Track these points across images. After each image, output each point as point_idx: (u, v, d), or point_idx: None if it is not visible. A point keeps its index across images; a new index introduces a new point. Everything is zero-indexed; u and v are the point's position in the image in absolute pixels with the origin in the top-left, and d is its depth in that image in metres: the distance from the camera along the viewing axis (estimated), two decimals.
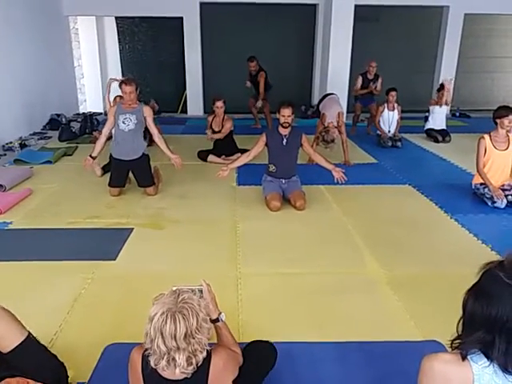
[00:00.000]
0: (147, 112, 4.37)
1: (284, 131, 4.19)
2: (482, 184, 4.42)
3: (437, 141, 7.06)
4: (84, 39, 10.64)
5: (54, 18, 8.43)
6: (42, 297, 2.75)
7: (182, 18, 9.00)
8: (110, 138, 4.50)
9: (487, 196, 4.33)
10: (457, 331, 1.35)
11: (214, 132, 5.90)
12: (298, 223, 3.93)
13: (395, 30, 9.94)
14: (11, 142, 6.33)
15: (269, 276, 3.03)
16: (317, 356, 2.25)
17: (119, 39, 10.31)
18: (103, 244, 3.45)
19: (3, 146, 6.23)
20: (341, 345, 2.33)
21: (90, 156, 4.35)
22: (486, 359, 1.27)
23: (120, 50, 10.32)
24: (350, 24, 8.39)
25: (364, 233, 3.70)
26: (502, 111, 4.30)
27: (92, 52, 10.66)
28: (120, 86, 4.31)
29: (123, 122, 4.24)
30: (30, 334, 1.74)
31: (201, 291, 1.76)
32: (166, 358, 1.42)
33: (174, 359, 1.42)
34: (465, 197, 4.57)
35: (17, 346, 1.65)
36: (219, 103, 5.73)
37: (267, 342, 1.99)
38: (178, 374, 1.47)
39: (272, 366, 1.94)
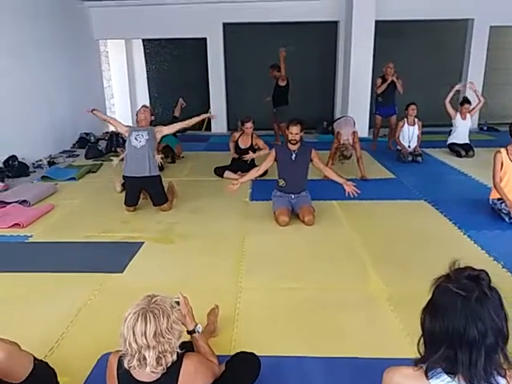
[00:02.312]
0: (159, 128, 4.66)
1: (293, 147, 4.24)
2: (499, 199, 4.29)
3: (459, 155, 6.91)
4: (114, 61, 11.14)
5: (85, 42, 8.90)
6: (49, 306, 2.88)
7: (205, 39, 9.29)
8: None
9: (504, 212, 4.20)
10: (418, 352, 1.35)
11: (240, 149, 6.00)
12: (305, 238, 3.94)
13: (419, 44, 9.86)
14: (41, 160, 6.68)
15: (269, 290, 3.05)
16: (307, 371, 2.24)
17: (146, 60, 10.74)
18: (113, 257, 3.58)
19: (33, 163, 6.57)
20: (332, 360, 2.32)
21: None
22: (446, 376, 1.27)
23: (147, 71, 10.73)
24: (370, 40, 8.41)
25: (371, 249, 3.67)
26: None
27: (121, 73, 11.14)
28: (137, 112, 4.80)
29: (135, 139, 4.44)
30: (33, 357, 1.85)
31: (178, 303, 1.82)
32: (137, 356, 1.50)
33: (144, 358, 1.50)
34: (482, 212, 4.45)
35: (29, 374, 1.75)
36: (249, 124, 5.89)
37: (251, 353, 2.01)
38: (148, 374, 1.53)
39: (255, 377, 1.96)
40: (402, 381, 1.31)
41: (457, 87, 6.92)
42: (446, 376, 1.27)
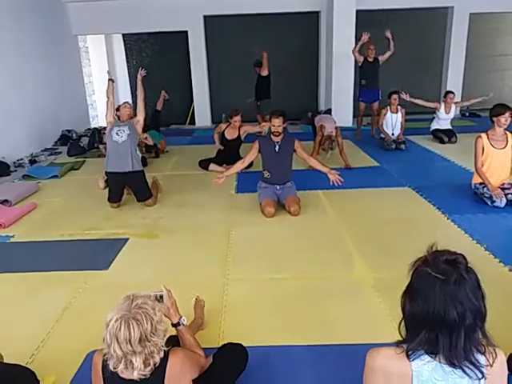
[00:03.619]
0: (134, 119, 4.62)
1: (276, 138, 4.24)
2: (481, 183, 4.35)
3: (443, 142, 6.98)
4: (94, 57, 10.96)
5: (63, 38, 8.74)
6: (33, 306, 2.84)
7: (186, 32, 9.19)
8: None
9: (486, 195, 4.26)
10: (400, 334, 1.36)
11: (226, 140, 5.98)
12: (291, 228, 3.95)
13: (402, 33, 9.85)
14: (22, 159, 6.56)
15: (255, 281, 3.05)
16: (295, 359, 2.25)
17: (127, 55, 10.58)
18: (97, 254, 3.53)
19: (14, 162, 6.45)
20: (320, 348, 2.33)
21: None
22: (427, 356, 1.28)
23: (128, 66, 10.59)
24: (352, 29, 8.41)
25: (356, 236, 3.69)
26: (498, 109, 4.25)
27: (102, 69, 10.93)
28: (118, 107, 4.70)
29: (117, 134, 4.39)
30: None
31: (161, 297, 1.81)
32: (123, 361, 1.47)
33: (131, 362, 1.47)
34: (465, 197, 4.51)
35: None
36: (237, 118, 5.86)
37: (239, 344, 2.01)
38: (136, 376, 1.51)
39: (242, 368, 1.96)
40: (384, 361, 1.33)
41: (407, 98, 6.74)
42: (426, 356, 1.28)
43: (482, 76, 10.41)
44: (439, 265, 1.24)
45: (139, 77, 4.78)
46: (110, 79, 4.75)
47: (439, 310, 1.22)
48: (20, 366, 1.94)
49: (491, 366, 1.27)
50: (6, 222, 4.15)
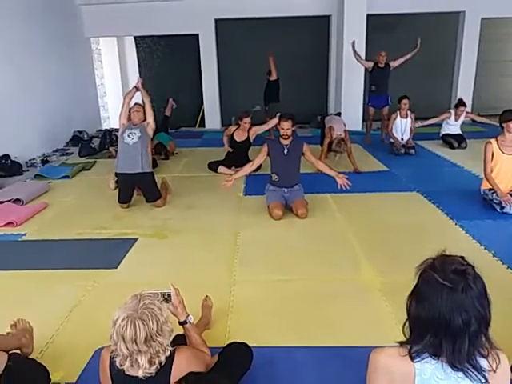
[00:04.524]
0: (145, 122, 4.66)
1: (285, 142, 4.26)
2: (490, 189, 4.33)
3: (452, 147, 6.95)
4: (106, 59, 11.09)
5: (76, 40, 8.86)
6: (43, 303, 2.89)
7: (197, 35, 9.27)
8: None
9: (496, 201, 4.23)
10: (404, 335, 1.38)
11: (235, 142, 6.02)
12: (298, 231, 3.96)
13: (412, 38, 9.80)
14: (34, 159, 6.66)
15: (262, 283, 3.07)
16: (299, 360, 2.27)
17: (138, 58, 10.69)
18: (107, 253, 3.59)
19: (26, 162, 6.55)
20: (325, 349, 2.35)
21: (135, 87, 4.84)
22: (430, 358, 1.30)
23: (139, 68, 10.71)
24: (362, 34, 8.40)
25: (364, 240, 3.70)
26: (508, 115, 4.23)
27: (114, 71, 11.11)
28: (130, 109, 4.72)
29: (128, 136, 4.46)
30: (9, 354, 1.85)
31: (169, 295, 1.84)
32: (129, 359, 1.51)
33: (136, 361, 1.50)
34: (474, 203, 4.49)
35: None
36: (247, 120, 5.90)
37: (244, 343, 2.04)
38: (141, 374, 1.54)
39: (247, 367, 1.98)
40: (388, 361, 1.35)
41: (429, 121, 6.96)
42: (429, 358, 1.30)
43: (493, 81, 10.35)
44: (448, 274, 1.24)
45: (139, 85, 4.82)
46: (134, 86, 4.80)
47: (445, 316, 1.23)
48: (38, 362, 1.98)
49: (494, 371, 1.27)
50: (18, 220, 4.23)
